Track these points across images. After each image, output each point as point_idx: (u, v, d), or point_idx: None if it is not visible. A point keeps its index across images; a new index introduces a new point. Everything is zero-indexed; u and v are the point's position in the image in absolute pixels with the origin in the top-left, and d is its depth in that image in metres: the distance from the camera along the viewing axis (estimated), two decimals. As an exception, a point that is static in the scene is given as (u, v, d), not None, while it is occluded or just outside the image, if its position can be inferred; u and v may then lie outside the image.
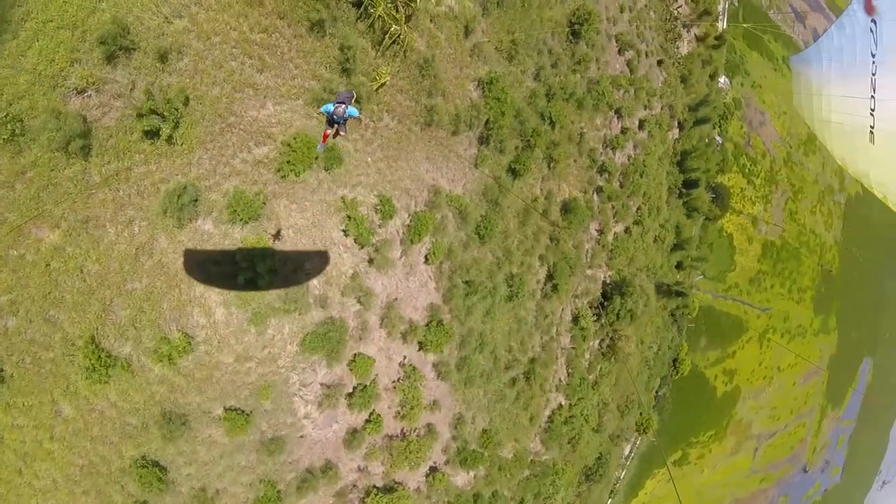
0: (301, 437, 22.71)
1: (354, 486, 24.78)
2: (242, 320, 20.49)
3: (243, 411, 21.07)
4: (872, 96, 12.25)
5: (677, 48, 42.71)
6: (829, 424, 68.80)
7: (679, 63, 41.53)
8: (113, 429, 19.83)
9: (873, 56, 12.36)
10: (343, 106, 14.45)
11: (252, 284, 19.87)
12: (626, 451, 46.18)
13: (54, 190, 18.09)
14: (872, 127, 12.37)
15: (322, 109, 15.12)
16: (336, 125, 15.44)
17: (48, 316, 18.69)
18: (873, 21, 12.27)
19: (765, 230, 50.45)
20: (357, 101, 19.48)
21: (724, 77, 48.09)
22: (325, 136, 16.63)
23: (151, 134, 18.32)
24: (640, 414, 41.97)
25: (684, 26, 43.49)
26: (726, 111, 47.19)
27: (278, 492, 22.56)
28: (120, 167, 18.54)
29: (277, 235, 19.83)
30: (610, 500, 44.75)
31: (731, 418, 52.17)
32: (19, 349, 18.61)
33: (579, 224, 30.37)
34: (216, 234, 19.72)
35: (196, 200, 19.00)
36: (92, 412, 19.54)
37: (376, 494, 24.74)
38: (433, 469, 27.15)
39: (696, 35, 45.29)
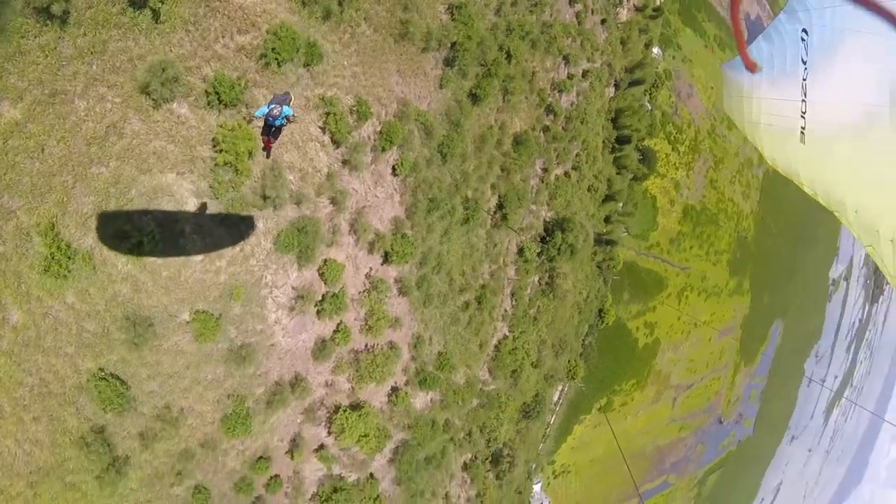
0: (271, 345, 23.27)
1: (322, 403, 25.81)
2: (216, 209, 20.58)
3: (212, 314, 21.17)
4: (803, 100, 12.24)
5: (617, 13, 46.45)
6: (742, 380, 78.37)
7: (619, 27, 45.20)
8: (69, 337, 19.06)
9: (804, 62, 12.31)
10: (278, 107, 15.51)
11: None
12: (556, 397, 49.76)
13: (21, 60, 17.03)
14: (804, 128, 12.35)
15: (257, 113, 16.16)
16: (272, 128, 16.58)
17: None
18: (804, 31, 12.04)
19: (686, 195, 56.03)
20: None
21: (657, 48, 52.64)
22: (268, 144, 17.99)
23: (136, 5, 18.10)
24: (569, 361, 45.57)
25: (623, -6, 47.25)
26: (657, 80, 51.70)
27: (247, 408, 22.98)
28: (96, 40, 18.03)
29: (251, 123, 20.15)
30: (542, 443, 48.06)
31: (652, 369, 57.79)
32: (-39, 244, 17.07)
33: (528, 157, 33.02)
34: (192, 118, 19.78)
35: (176, 80, 18.96)
36: (45, 318, 18.63)
37: (345, 411, 25.81)
38: (394, 389, 28.67)
39: (634, 5, 49.33)
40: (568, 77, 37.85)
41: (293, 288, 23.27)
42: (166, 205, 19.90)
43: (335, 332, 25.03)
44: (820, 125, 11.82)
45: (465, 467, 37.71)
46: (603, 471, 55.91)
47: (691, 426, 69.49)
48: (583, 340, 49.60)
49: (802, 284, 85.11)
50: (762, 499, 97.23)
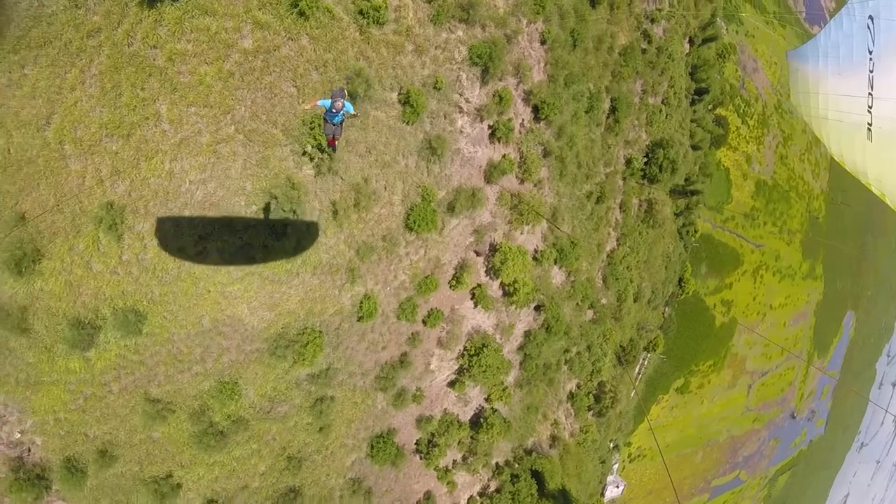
0: (456, 149, 26.21)
1: (488, 230, 28.31)
2: (426, 15, 24.07)
3: (422, 93, 24.17)
4: (870, 93, 13.50)
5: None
6: (815, 372, 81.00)
7: (688, -11, 50.97)
8: (293, 77, 21.20)
9: (870, 53, 13.63)
10: (341, 101, 16.62)
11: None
12: (637, 370, 50.96)
13: None
14: (870, 124, 13.65)
15: (320, 103, 18.43)
16: (333, 125, 18.69)
17: None
18: (870, 17, 13.73)
19: (758, 169, 60.47)
20: (351, 97, 23.03)
21: (721, 20, 58.46)
22: (332, 141, 20.43)
23: None
24: (651, 332, 47.64)
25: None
26: (724, 51, 57.05)
27: (433, 207, 25.36)
28: None
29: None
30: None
31: (728, 350, 59.89)
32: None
33: (633, 68, 37.80)
34: None
35: None
36: (276, 51, 20.68)
37: (507, 243, 28.52)
38: (537, 250, 31.35)
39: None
40: (657, 9, 42.83)
41: (476, 102, 26.53)
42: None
43: (502, 159, 28.09)
44: (888, 122, 13.45)
45: (571, 397, 39.01)
46: (677, 459, 56.22)
47: (765, 418, 71.55)
48: (663, 312, 51.52)
49: (874, 275, 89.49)
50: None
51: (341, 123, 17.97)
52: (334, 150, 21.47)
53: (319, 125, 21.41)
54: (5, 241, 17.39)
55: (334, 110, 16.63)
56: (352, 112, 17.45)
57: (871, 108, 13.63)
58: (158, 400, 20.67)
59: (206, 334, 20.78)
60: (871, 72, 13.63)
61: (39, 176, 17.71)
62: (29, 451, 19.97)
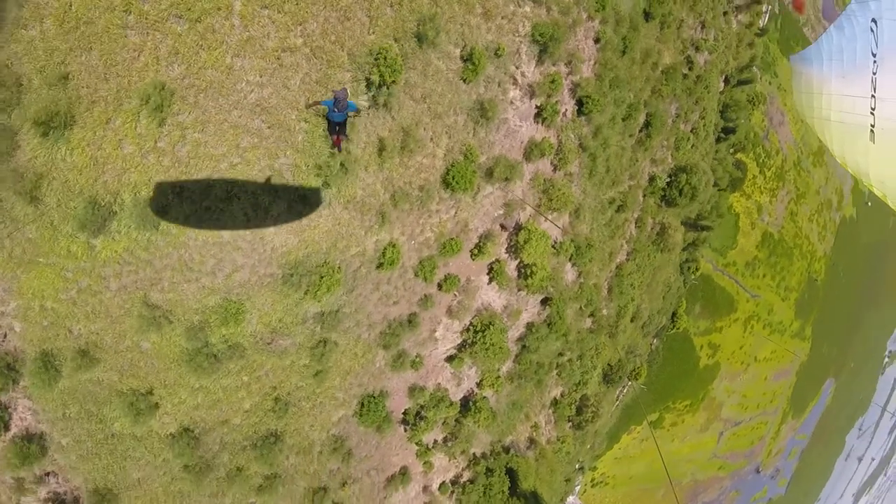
0: (503, 119, 26.21)
1: (518, 208, 28.41)
2: None
3: (483, 54, 24.22)
4: (873, 95, 13.67)
5: (727, 23, 53.32)
6: (786, 432, 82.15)
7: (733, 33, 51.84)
8: (367, 6, 20.97)
9: (874, 55, 13.80)
10: (344, 101, 16.89)
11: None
12: (616, 394, 50.90)
13: None
14: (873, 126, 13.78)
15: (323, 103, 18.65)
16: (337, 125, 18.47)
17: None
18: (873, 20, 13.86)
19: (767, 220, 61.20)
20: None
21: (756, 67, 59.21)
22: (337, 141, 21.08)
23: None
24: (636, 360, 47.70)
25: (736, 8, 54.49)
26: (754, 98, 57.76)
27: (473, 168, 25.23)
28: None
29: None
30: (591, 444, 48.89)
31: (707, 394, 60.32)
32: None
33: (672, 88, 38.46)
34: None
35: None
36: None
37: (532, 223, 28.55)
38: (556, 241, 31.39)
39: (742, 21, 56.32)
40: (703, 39, 43.39)
41: (530, 78, 26.79)
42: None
43: (542, 140, 28.28)
44: (890, 123, 13.26)
45: (554, 403, 38.99)
46: (638, 493, 56.16)
47: (731, 467, 72.31)
48: (651, 342, 51.67)
49: (861, 346, 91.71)
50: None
51: (345, 122, 18.08)
52: (339, 150, 21.38)
53: (385, 56, 21.01)
54: (42, 96, 16.44)
55: (336, 109, 16.73)
56: (355, 110, 17.61)
57: (874, 109, 13.66)
58: (158, 306, 19.64)
59: (223, 246, 19.95)
60: (875, 73, 13.66)
61: (95, 39, 16.84)
62: (4, 336, 18.68)
